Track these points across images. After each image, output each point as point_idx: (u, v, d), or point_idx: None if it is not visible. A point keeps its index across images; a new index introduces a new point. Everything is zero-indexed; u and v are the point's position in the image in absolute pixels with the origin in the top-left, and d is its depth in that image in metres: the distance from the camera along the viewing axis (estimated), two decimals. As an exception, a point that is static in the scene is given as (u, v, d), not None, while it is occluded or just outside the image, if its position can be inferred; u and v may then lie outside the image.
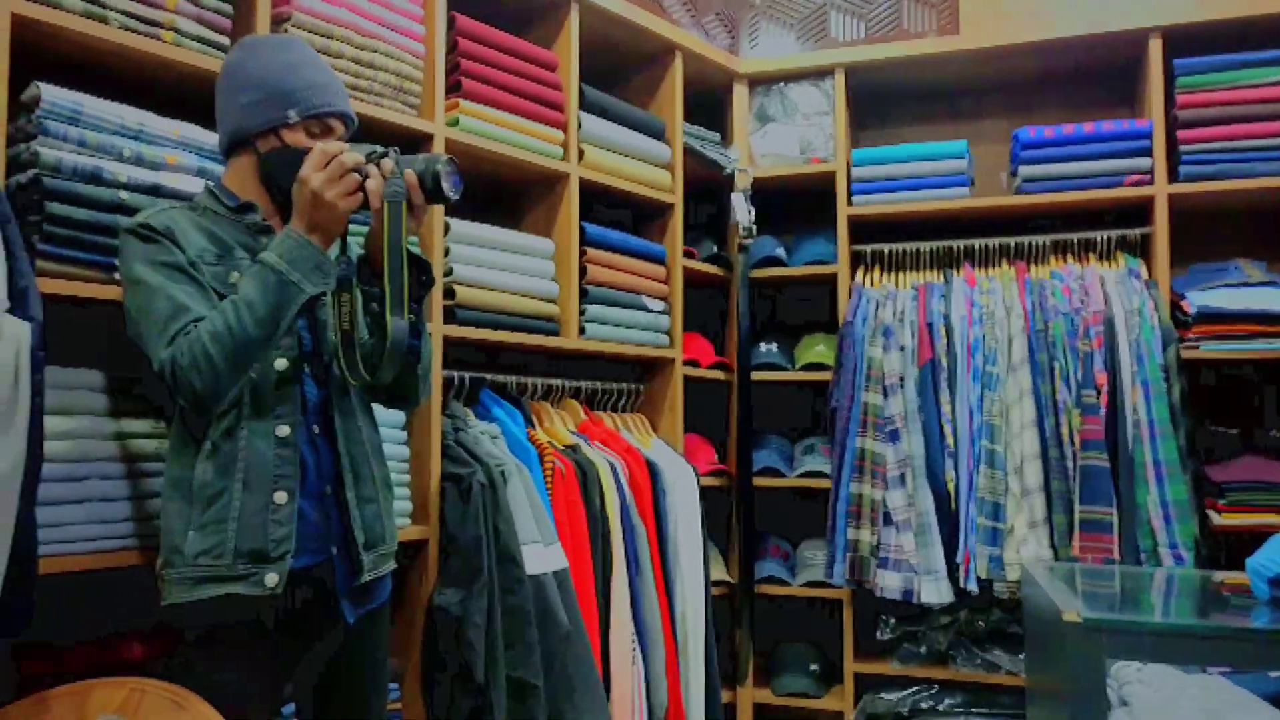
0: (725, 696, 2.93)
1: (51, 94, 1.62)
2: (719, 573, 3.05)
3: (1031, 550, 2.66)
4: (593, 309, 2.65)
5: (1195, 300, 2.69)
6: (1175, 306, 2.77)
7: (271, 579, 1.45)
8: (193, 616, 1.48)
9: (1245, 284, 2.68)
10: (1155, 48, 2.83)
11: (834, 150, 3.18)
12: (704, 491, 2.84)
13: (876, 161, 3.13)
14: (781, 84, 3.27)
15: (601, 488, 2.43)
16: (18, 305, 1.39)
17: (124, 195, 1.68)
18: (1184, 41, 2.83)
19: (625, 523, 2.48)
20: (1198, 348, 2.67)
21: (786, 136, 3.26)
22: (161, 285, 1.45)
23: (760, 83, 3.31)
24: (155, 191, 1.72)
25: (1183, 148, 2.78)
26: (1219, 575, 1.98)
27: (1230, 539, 2.62)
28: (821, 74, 3.21)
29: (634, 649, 2.42)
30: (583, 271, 2.65)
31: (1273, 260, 2.84)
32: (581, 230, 2.65)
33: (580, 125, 2.67)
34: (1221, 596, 1.84)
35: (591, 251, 2.68)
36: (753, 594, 3.10)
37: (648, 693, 2.45)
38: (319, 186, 1.46)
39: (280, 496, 1.48)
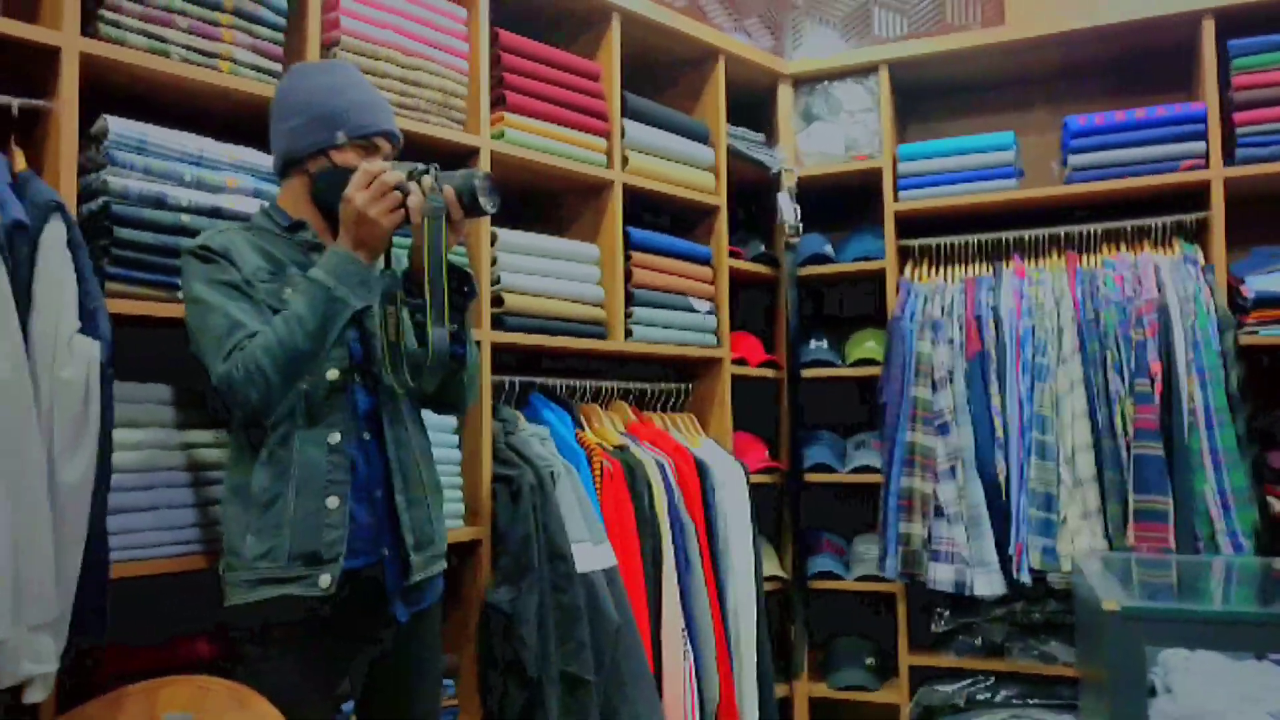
0: (780, 690, 2.95)
1: (119, 126, 1.72)
2: (772, 569, 3.08)
3: (1086, 541, 2.63)
4: (639, 311, 2.70)
5: (1254, 284, 2.63)
6: (1234, 291, 2.71)
7: (325, 580, 1.53)
8: (253, 617, 1.55)
9: (1303, 267, 2.62)
10: (1208, 29, 2.77)
11: (879, 146, 3.17)
12: (755, 489, 2.87)
13: (922, 156, 3.12)
14: (826, 83, 3.28)
15: (650, 486, 2.47)
16: (88, 325, 1.49)
17: (186, 218, 1.77)
18: (1236, 22, 2.76)
19: (674, 520, 2.52)
20: (1257, 333, 2.61)
21: (832, 134, 3.27)
22: (219, 303, 1.53)
23: (804, 82, 3.32)
24: (215, 214, 1.81)
25: (1239, 129, 2.72)
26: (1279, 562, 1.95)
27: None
28: (865, 71, 3.21)
29: (685, 644, 2.46)
30: (628, 275, 2.69)
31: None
32: (626, 235, 2.70)
33: (624, 133, 2.72)
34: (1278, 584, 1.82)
35: (637, 255, 2.72)
36: (806, 589, 3.11)
37: (699, 687, 2.48)
38: (363, 205, 1.53)
39: (332, 501, 1.55)
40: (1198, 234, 2.84)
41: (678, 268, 2.86)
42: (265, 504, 1.53)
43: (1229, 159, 2.75)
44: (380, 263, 1.62)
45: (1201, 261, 2.75)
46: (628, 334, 2.67)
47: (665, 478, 2.53)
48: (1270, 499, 2.55)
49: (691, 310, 2.86)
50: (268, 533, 1.53)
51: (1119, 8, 2.87)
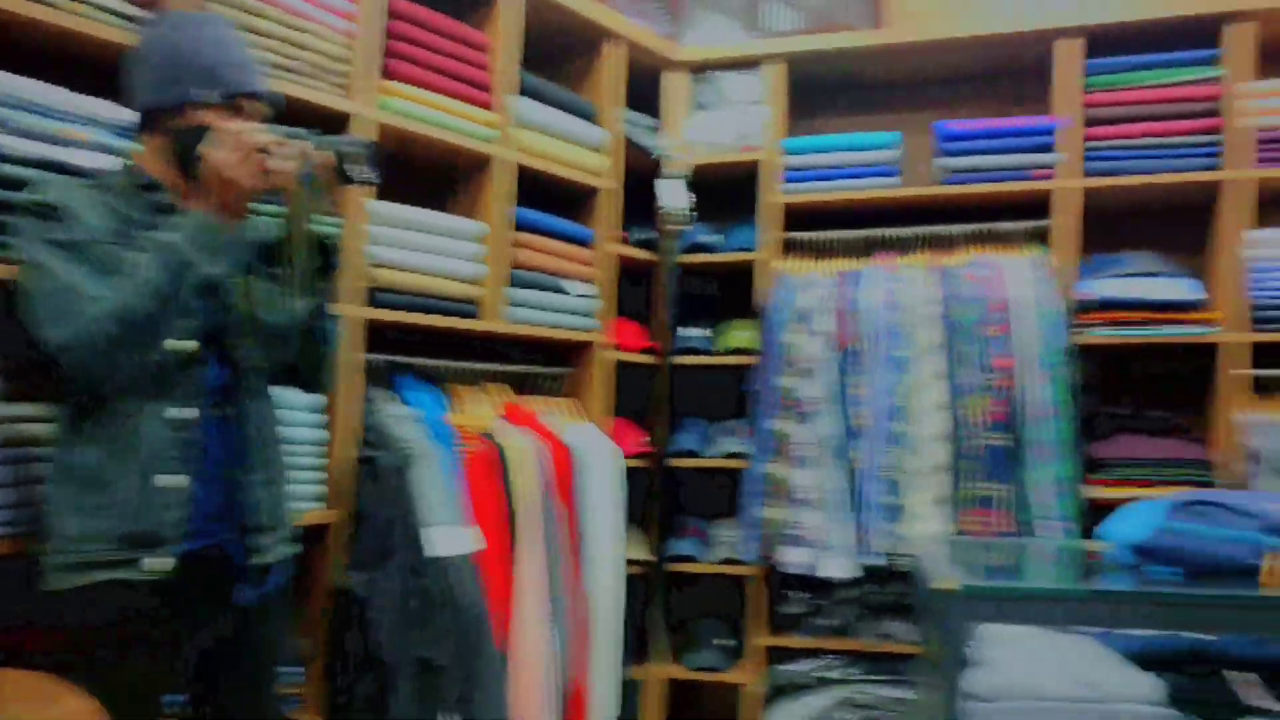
0: (637, 672, 2.99)
1: (-58, 65, 1.59)
2: (640, 552, 3.12)
3: (934, 526, 2.78)
4: (517, 292, 2.68)
5: (1090, 289, 2.82)
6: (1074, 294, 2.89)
7: (153, 563, 1.44)
8: (83, 604, 1.45)
9: (1136, 274, 2.81)
10: (1070, 47, 2.91)
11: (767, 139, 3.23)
12: (630, 473, 2.89)
13: (807, 150, 3.19)
14: (718, 72, 3.31)
15: (518, 470, 2.46)
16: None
17: (22, 170, 1.63)
18: (1102, 41, 2.91)
19: (541, 504, 2.52)
20: (1085, 333, 2.80)
21: (721, 124, 3.30)
22: (54, 264, 1.41)
23: (697, 70, 3.34)
24: (59, 168, 1.67)
25: (1089, 144, 2.89)
26: (1096, 545, 2.12)
27: (1108, 511, 2.77)
28: (757, 63, 3.25)
29: (546, 628, 2.46)
30: (511, 254, 2.67)
31: (1173, 252, 2.95)
32: (511, 213, 2.67)
33: (512, 108, 2.69)
34: (1092, 563, 1.99)
35: (520, 234, 2.70)
36: (665, 572, 3.17)
37: (555, 670, 2.49)
38: (224, 166, 1.46)
39: (175, 479, 1.47)
40: (1050, 240, 3.01)
41: (561, 249, 2.84)
42: (98, 482, 1.44)
43: (1081, 170, 2.91)
44: (240, 229, 1.53)
45: (1049, 265, 2.92)
46: (502, 314, 2.65)
47: (534, 461, 2.53)
48: (1090, 486, 2.76)
49: (570, 293, 2.86)
50: (96, 512, 1.43)
51: (986, 21, 3.00)
